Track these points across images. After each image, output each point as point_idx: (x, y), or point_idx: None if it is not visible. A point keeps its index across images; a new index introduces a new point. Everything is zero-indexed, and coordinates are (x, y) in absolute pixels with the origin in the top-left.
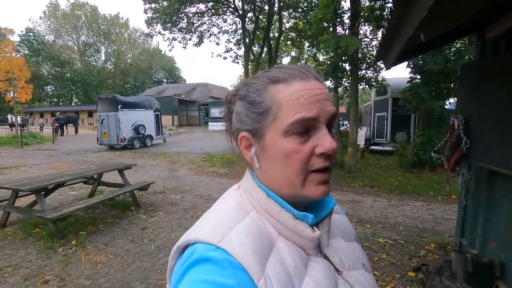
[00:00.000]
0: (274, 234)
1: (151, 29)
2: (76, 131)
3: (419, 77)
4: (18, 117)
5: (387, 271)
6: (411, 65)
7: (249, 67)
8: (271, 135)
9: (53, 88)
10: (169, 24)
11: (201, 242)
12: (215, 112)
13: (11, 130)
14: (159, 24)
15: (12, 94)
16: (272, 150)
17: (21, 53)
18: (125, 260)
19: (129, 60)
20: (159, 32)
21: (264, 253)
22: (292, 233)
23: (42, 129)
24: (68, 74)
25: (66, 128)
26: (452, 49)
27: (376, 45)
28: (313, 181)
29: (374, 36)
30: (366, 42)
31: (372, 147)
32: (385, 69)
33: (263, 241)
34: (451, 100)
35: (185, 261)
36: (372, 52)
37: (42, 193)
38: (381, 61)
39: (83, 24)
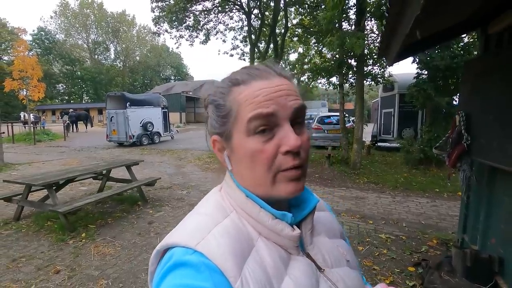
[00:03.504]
0: (253, 235)
1: (158, 27)
2: (87, 127)
3: (425, 73)
4: (31, 114)
5: (387, 266)
6: (417, 61)
7: (255, 64)
8: (236, 137)
9: (64, 86)
10: (176, 23)
11: (179, 246)
12: None
13: (24, 127)
14: (165, 22)
15: (25, 93)
16: (238, 151)
17: (33, 52)
18: (132, 253)
19: (137, 57)
20: (166, 30)
21: (243, 254)
22: (271, 232)
23: (43, 126)
24: (79, 72)
25: (77, 126)
26: (460, 44)
27: None
28: (282, 180)
29: (380, 32)
30: (372, 38)
31: (379, 143)
32: (388, 65)
33: (242, 242)
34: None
35: (163, 266)
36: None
37: (54, 188)
38: (383, 58)
39: (92, 23)
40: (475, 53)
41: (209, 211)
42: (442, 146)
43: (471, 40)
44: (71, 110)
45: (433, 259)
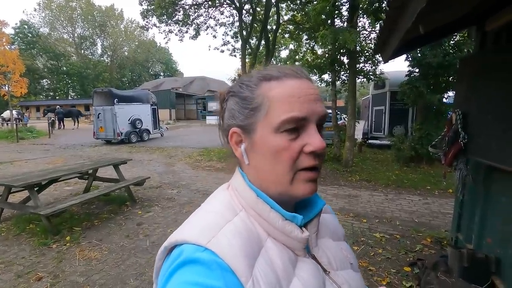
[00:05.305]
0: (263, 235)
1: (147, 21)
2: (78, 124)
3: (417, 70)
4: (14, 111)
5: (383, 266)
6: (410, 58)
7: (247, 60)
8: (261, 131)
9: (48, 82)
10: (165, 17)
11: (188, 243)
12: (212, 105)
13: (7, 124)
14: (154, 16)
15: (7, 88)
16: (261, 146)
17: (16, 46)
18: (119, 256)
19: (125, 53)
20: (155, 25)
21: (253, 254)
22: (281, 234)
23: (26, 123)
24: (64, 68)
25: (63, 122)
26: (451, 42)
27: (374, 38)
28: (300, 179)
29: (373, 29)
30: (364, 35)
31: (370, 141)
32: (383, 62)
33: (252, 242)
34: (450, 93)
35: (172, 262)
36: (370, 45)
37: (36, 189)
38: (379, 55)
39: (79, 16)
40: (466, 51)
41: (218, 209)
42: (438, 144)
43: (462, 38)
44: (58, 106)
45: (429, 259)
